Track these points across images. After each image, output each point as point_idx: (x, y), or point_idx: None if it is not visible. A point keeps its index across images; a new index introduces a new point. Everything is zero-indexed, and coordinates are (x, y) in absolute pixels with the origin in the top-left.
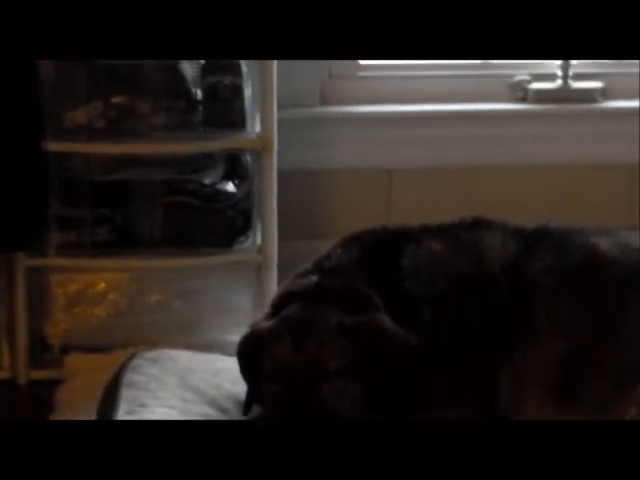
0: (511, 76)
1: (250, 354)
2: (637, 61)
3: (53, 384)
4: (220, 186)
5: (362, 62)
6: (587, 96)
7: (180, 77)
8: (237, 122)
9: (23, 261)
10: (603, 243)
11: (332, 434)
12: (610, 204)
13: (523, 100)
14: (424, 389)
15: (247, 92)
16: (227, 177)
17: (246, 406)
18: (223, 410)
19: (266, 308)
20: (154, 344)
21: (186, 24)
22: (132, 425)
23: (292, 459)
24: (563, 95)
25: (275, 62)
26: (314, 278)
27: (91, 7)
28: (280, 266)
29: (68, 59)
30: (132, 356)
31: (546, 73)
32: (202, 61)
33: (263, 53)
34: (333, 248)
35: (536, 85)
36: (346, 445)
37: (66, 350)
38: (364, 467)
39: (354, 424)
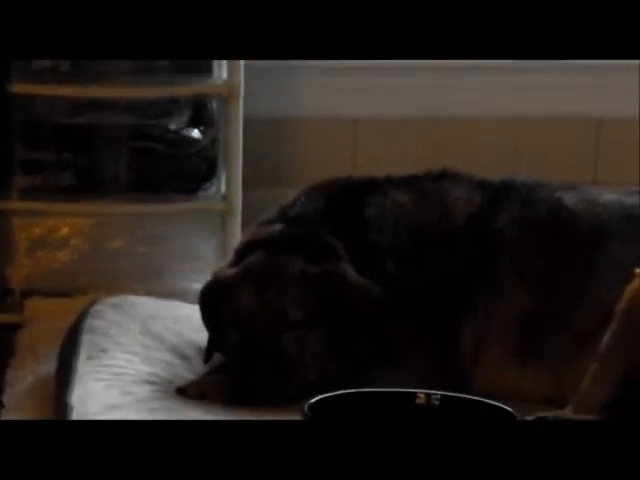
0: None
1: (212, 302)
2: None
3: (14, 328)
4: (185, 132)
5: None
6: None
7: None
8: (204, 67)
9: None
10: (569, 198)
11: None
12: (576, 158)
13: None
14: (386, 340)
15: None
16: (193, 123)
17: (207, 354)
18: (185, 357)
19: (230, 256)
20: (116, 290)
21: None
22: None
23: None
24: None
25: None
26: (278, 227)
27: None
28: (244, 214)
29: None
30: (94, 301)
31: None
32: None
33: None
34: (298, 197)
35: None
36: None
37: (28, 294)
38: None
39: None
